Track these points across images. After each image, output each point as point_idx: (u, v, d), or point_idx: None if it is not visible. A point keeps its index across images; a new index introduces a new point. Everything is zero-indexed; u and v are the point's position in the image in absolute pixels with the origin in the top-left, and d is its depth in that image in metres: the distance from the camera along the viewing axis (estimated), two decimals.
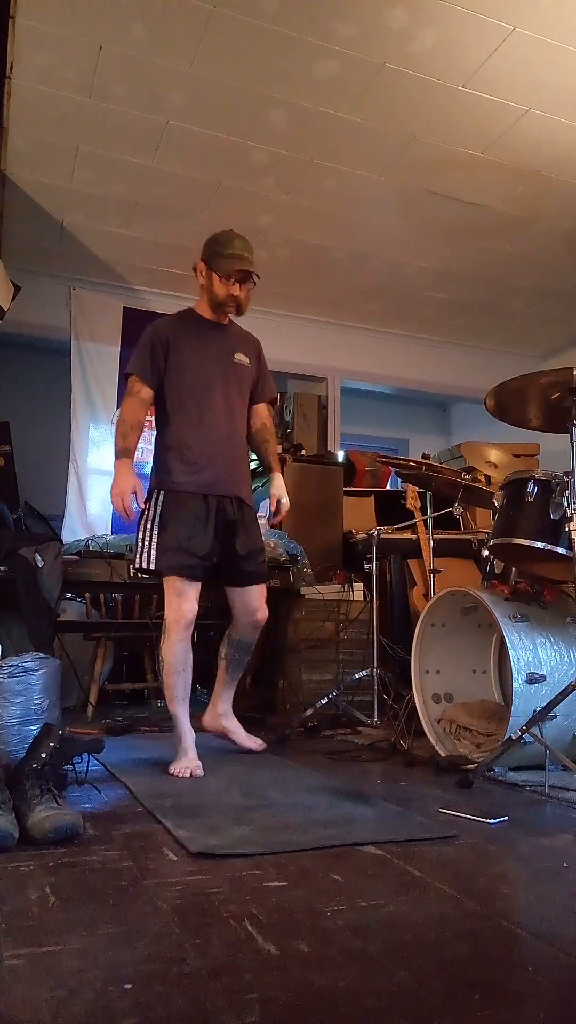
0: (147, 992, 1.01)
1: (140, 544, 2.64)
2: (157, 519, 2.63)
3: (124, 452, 2.66)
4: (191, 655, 2.62)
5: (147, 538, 2.63)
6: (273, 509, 2.88)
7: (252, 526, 2.77)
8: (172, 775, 2.42)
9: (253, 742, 2.86)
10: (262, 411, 2.92)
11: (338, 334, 5.93)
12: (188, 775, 2.41)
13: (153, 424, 2.82)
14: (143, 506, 2.67)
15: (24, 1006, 0.97)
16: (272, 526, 2.98)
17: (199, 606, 2.62)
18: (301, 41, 3.22)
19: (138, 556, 2.63)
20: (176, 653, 2.58)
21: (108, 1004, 0.97)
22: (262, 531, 2.95)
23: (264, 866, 1.53)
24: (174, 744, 2.60)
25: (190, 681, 2.64)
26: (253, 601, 2.75)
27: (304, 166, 4.05)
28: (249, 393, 2.85)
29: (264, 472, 2.97)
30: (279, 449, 2.90)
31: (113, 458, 2.71)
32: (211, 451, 2.68)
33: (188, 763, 2.48)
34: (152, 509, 2.65)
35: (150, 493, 2.69)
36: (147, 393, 2.71)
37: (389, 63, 3.34)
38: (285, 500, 2.89)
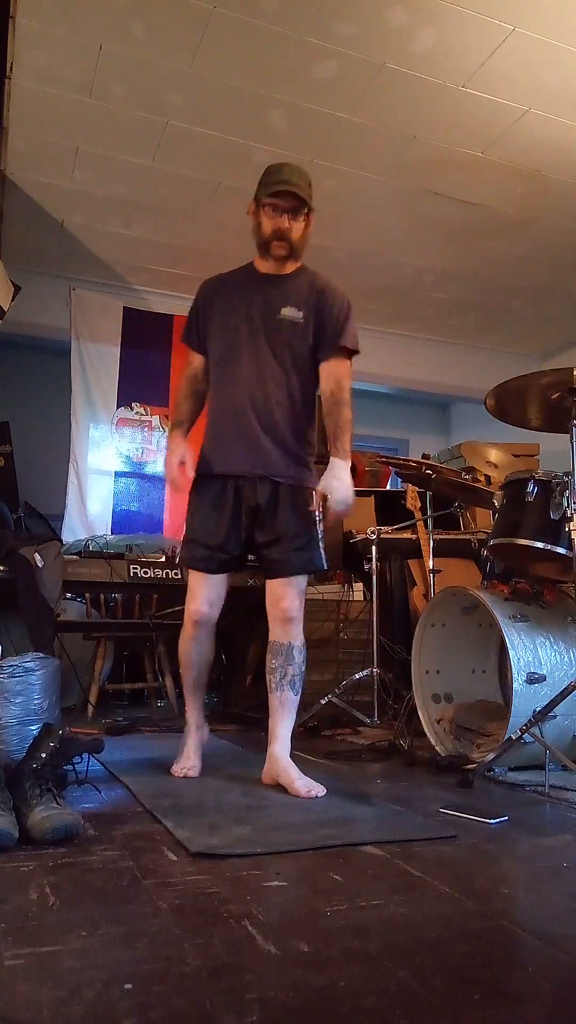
0: (147, 992, 1.01)
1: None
2: (188, 510, 2.46)
3: (175, 423, 2.47)
4: (208, 653, 2.48)
5: (183, 531, 2.46)
6: (314, 508, 2.32)
7: (286, 508, 2.33)
8: (171, 774, 2.39)
9: (306, 787, 2.16)
10: (333, 369, 2.38)
11: None
12: (182, 775, 2.36)
13: None
14: (190, 474, 2.41)
15: (24, 1006, 0.97)
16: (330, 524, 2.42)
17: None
18: (301, 41, 3.22)
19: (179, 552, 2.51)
20: (186, 649, 2.46)
21: (108, 1004, 0.97)
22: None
23: (264, 866, 1.53)
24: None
25: (203, 678, 2.51)
26: (277, 590, 2.36)
27: (304, 166, 4.03)
28: (309, 356, 2.38)
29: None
30: (346, 421, 2.33)
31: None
32: (230, 424, 2.36)
33: (184, 762, 2.42)
34: (191, 499, 2.46)
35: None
36: (199, 362, 2.47)
37: (389, 63, 3.34)
38: (338, 495, 2.24)
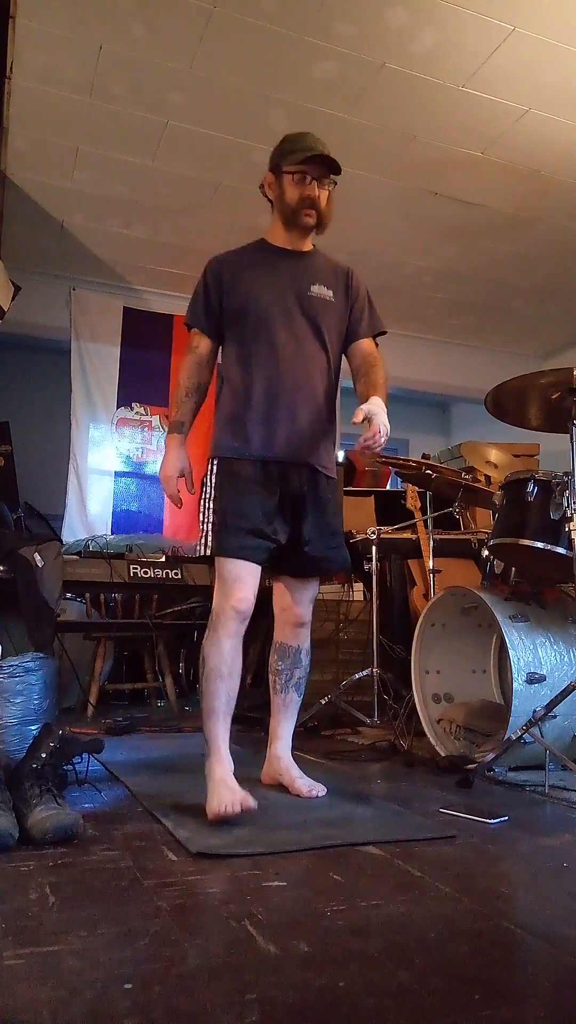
0: (147, 992, 1.01)
1: (201, 527, 2.13)
2: (213, 494, 2.12)
3: (174, 426, 2.20)
4: (240, 660, 2.06)
5: (206, 518, 2.12)
6: (357, 421, 2.04)
7: (327, 501, 2.20)
8: (217, 813, 1.82)
9: (308, 787, 2.14)
10: (363, 347, 2.29)
11: None
12: (237, 810, 1.81)
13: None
14: (194, 489, 2.20)
15: (24, 1006, 0.97)
16: (359, 452, 2.24)
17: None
18: (301, 41, 3.22)
19: (199, 541, 2.13)
20: (223, 652, 2.01)
21: (108, 1004, 0.97)
22: None
23: (264, 866, 1.53)
24: (206, 773, 1.96)
25: (235, 693, 2.05)
26: (301, 592, 2.24)
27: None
28: (340, 336, 2.27)
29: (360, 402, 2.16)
30: (383, 378, 2.21)
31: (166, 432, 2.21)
32: (270, 405, 2.13)
33: (232, 796, 1.85)
34: (208, 483, 2.15)
35: (207, 462, 2.18)
36: (206, 346, 2.23)
37: (389, 63, 3.34)
38: (381, 417, 2.04)
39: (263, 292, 2.19)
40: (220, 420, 2.19)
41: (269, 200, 2.28)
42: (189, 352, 2.26)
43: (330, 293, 2.25)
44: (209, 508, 2.12)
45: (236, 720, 3.13)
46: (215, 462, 2.16)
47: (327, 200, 2.22)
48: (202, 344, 2.24)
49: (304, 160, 2.16)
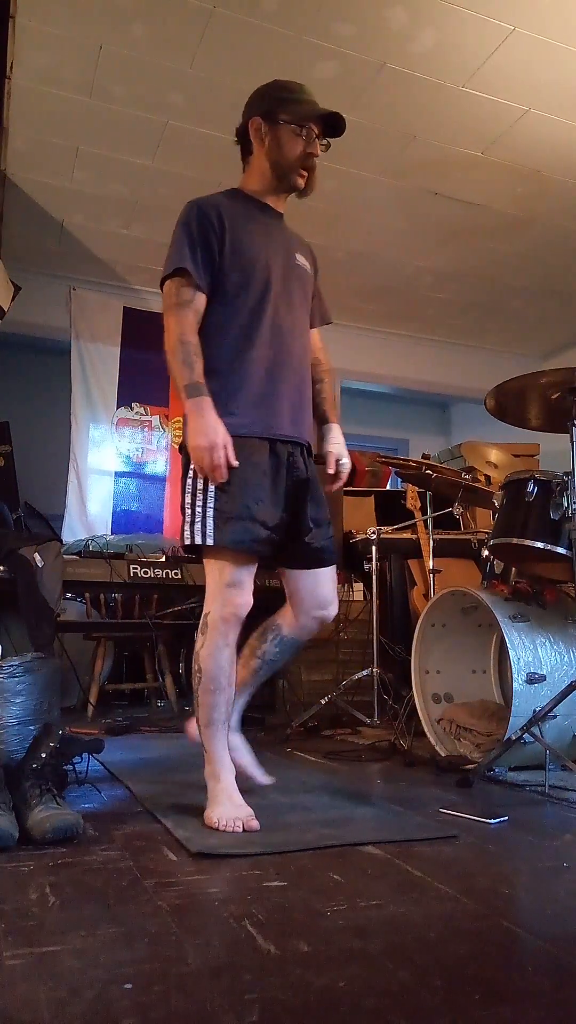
0: (147, 992, 1.01)
1: (191, 511, 1.86)
2: (201, 477, 1.87)
3: (195, 388, 1.82)
4: (236, 667, 1.92)
5: (198, 502, 1.85)
6: (331, 471, 2.03)
7: (319, 488, 2.03)
8: (215, 828, 1.75)
9: (261, 774, 2.12)
10: (316, 339, 2.16)
11: (338, 334, 5.90)
12: (239, 829, 1.74)
13: None
14: (234, 462, 1.85)
15: (24, 1006, 0.97)
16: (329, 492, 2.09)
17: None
18: (301, 41, 3.22)
19: (189, 528, 1.85)
20: (222, 662, 1.85)
21: (108, 1004, 0.97)
22: None
23: (264, 866, 1.53)
24: (206, 781, 1.88)
25: (232, 700, 1.92)
26: (324, 589, 2.02)
27: None
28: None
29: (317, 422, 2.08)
30: (332, 390, 2.11)
31: (185, 397, 1.82)
32: (276, 377, 1.93)
33: (236, 812, 1.78)
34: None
35: None
36: (201, 302, 1.91)
37: (389, 63, 3.34)
38: (347, 460, 2.04)
39: (263, 253, 1.96)
40: (220, 397, 1.86)
41: (245, 146, 2.06)
42: (183, 306, 1.88)
43: (308, 265, 2.09)
44: (207, 493, 1.85)
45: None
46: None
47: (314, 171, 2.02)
48: (198, 300, 1.91)
49: (317, 115, 1.97)
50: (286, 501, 1.94)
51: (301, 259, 2.06)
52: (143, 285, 5.42)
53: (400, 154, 3.96)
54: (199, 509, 1.85)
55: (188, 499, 1.88)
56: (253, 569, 1.90)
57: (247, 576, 1.88)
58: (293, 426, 1.95)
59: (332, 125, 1.99)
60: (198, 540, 1.84)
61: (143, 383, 5.40)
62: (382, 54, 3.30)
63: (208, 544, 1.83)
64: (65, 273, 5.18)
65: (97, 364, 5.29)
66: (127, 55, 3.32)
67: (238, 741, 2.10)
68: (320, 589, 2.02)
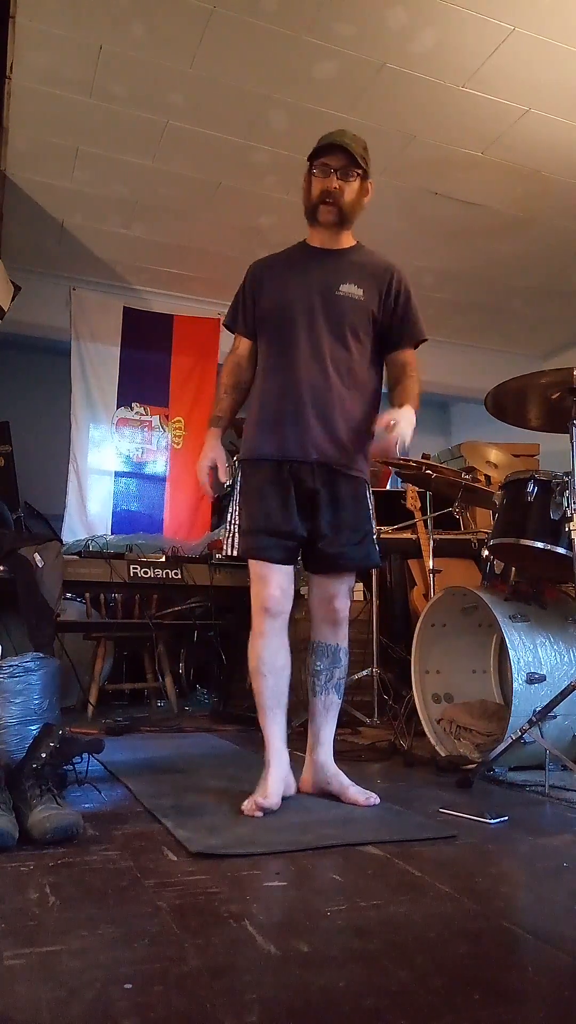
0: (147, 992, 1.01)
1: (227, 528, 2.20)
2: (239, 497, 2.18)
3: (211, 421, 2.29)
4: (285, 655, 2.11)
5: (231, 520, 2.19)
6: (380, 426, 2.03)
7: (347, 499, 2.16)
8: (242, 812, 1.93)
9: (363, 796, 2.07)
10: (403, 358, 2.24)
11: None
12: (258, 811, 1.91)
13: None
14: (224, 479, 2.27)
15: (24, 1006, 0.97)
16: (375, 458, 2.25)
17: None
18: (301, 41, 3.22)
19: (225, 543, 2.20)
20: (258, 651, 2.08)
21: (108, 1004, 0.97)
22: None
23: (264, 866, 1.53)
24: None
25: (285, 687, 2.11)
26: (328, 587, 2.19)
27: (304, 166, 4.04)
28: (371, 335, 2.22)
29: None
30: (416, 389, 2.19)
31: None
32: (286, 407, 2.13)
33: (257, 794, 1.96)
34: (235, 488, 2.21)
35: (235, 466, 2.26)
36: (244, 347, 2.28)
37: (389, 63, 3.34)
38: (403, 428, 1.99)
39: (287, 294, 2.19)
40: (247, 423, 2.22)
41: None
42: (231, 353, 2.32)
43: (360, 292, 2.20)
44: (235, 511, 2.18)
45: (237, 720, 3.13)
46: (239, 465, 2.21)
47: (355, 193, 2.19)
48: (241, 346, 2.30)
49: (322, 150, 2.14)
50: (301, 511, 2.12)
51: (349, 288, 2.19)
52: (143, 285, 5.42)
53: (400, 154, 3.96)
54: (229, 525, 2.19)
55: (228, 518, 2.21)
56: (278, 569, 2.11)
57: (271, 572, 2.10)
58: (300, 447, 2.12)
59: (335, 150, 2.14)
60: (228, 551, 2.17)
61: (143, 383, 5.40)
62: (382, 54, 3.30)
63: (233, 553, 2.15)
64: (65, 273, 5.18)
65: (97, 364, 5.28)
66: (127, 55, 3.32)
67: (331, 769, 2.16)
68: (325, 589, 2.20)
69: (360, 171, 2.19)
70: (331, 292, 2.18)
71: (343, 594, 2.21)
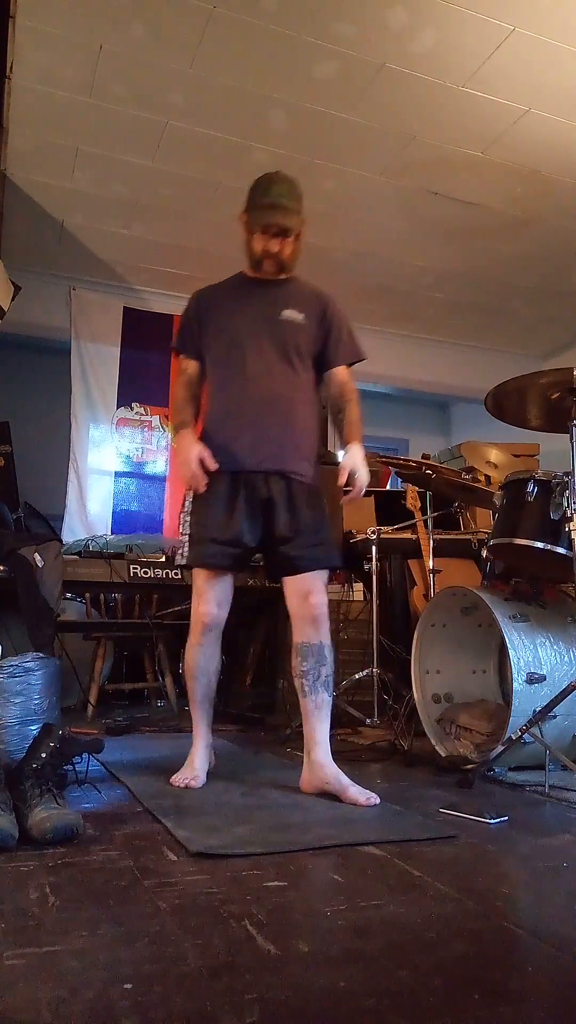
0: (147, 992, 1.01)
1: (181, 538, 2.37)
2: (190, 507, 2.36)
3: (180, 424, 2.40)
4: (216, 661, 2.37)
5: (183, 531, 2.35)
6: (342, 483, 2.31)
7: (302, 503, 2.32)
8: (171, 784, 2.25)
9: (363, 795, 2.08)
10: (338, 376, 2.46)
11: None
12: (183, 785, 2.22)
13: None
14: (213, 466, 2.31)
15: (24, 1006, 0.97)
16: (347, 504, 2.45)
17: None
18: (301, 41, 3.22)
19: (179, 552, 2.37)
20: (195, 658, 2.34)
21: (108, 1004, 0.97)
22: None
23: (264, 866, 1.53)
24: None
25: (213, 686, 2.40)
26: (301, 586, 2.29)
27: (304, 166, 4.05)
28: (312, 355, 2.42)
29: (341, 445, 2.45)
30: (358, 415, 2.42)
31: (173, 435, 2.48)
32: (238, 421, 2.32)
33: (187, 773, 2.28)
34: (187, 498, 2.38)
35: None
36: (192, 367, 2.45)
37: (389, 63, 3.34)
38: (361, 474, 2.29)
39: (231, 319, 2.39)
40: (200, 439, 2.37)
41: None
42: (180, 373, 2.49)
43: (301, 316, 2.39)
44: (185, 521, 2.36)
45: (236, 720, 3.15)
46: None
47: (292, 248, 2.36)
48: (190, 367, 2.46)
49: (262, 212, 2.29)
50: (250, 519, 2.29)
51: (290, 314, 2.38)
52: (143, 285, 5.42)
53: (400, 154, 3.96)
54: (182, 536, 2.35)
55: (180, 529, 2.37)
56: (218, 582, 2.32)
57: (208, 587, 2.32)
58: (255, 458, 2.30)
59: (275, 214, 2.28)
60: (179, 561, 2.36)
61: (143, 383, 5.40)
62: (382, 54, 3.30)
63: (183, 563, 2.35)
64: (65, 273, 5.18)
65: (97, 364, 5.28)
66: (127, 55, 3.32)
67: (330, 769, 2.18)
68: (298, 589, 2.30)
69: (298, 231, 2.34)
70: (275, 317, 2.37)
71: (319, 590, 2.30)
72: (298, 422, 2.36)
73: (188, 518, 2.35)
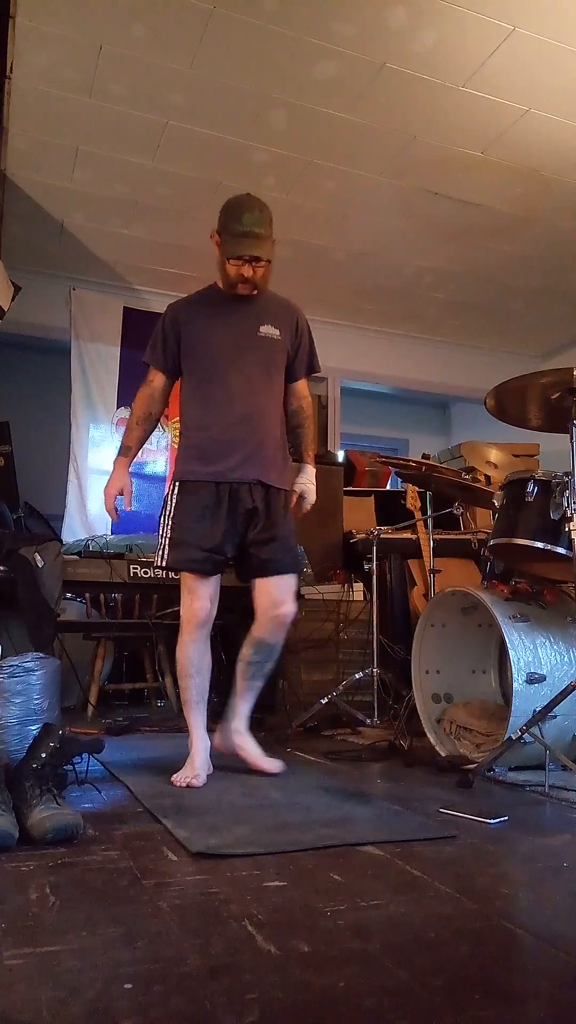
0: (147, 992, 1.01)
1: (159, 540, 2.48)
2: (171, 513, 2.46)
3: (122, 449, 2.58)
4: (208, 657, 2.45)
5: (163, 534, 2.47)
6: (291, 506, 2.55)
7: (278, 512, 2.49)
8: (172, 783, 2.28)
9: (269, 763, 2.44)
10: (299, 389, 2.64)
11: (338, 334, 5.92)
12: (184, 785, 2.25)
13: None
14: (128, 508, 2.63)
15: (24, 1006, 0.97)
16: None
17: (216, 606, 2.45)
18: (301, 41, 3.22)
19: (156, 554, 2.49)
20: (188, 654, 2.41)
21: (108, 1004, 0.97)
22: None
23: (264, 866, 1.53)
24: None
25: (207, 685, 2.46)
26: (275, 592, 2.44)
27: (304, 166, 4.05)
28: (284, 368, 2.58)
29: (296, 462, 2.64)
30: (314, 434, 2.63)
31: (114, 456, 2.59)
32: (226, 435, 2.44)
33: (187, 772, 2.31)
34: (168, 503, 2.49)
35: (171, 485, 2.53)
36: (160, 381, 2.56)
37: (389, 63, 3.34)
38: (310, 497, 2.58)
39: (213, 334, 2.49)
40: (182, 448, 2.53)
41: None
42: (145, 385, 2.57)
43: (277, 332, 2.52)
44: (167, 524, 2.45)
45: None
46: (177, 485, 2.48)
47: (264, 271, 2.44)
48: (157, 379, 2.56)
49: (236, 241, 2.38)
50: (232, 527, 2.42)
51: (267, 329, 2.51)
52: (143, 285, 5.42)
53: (400, 154, 3.96)
54: (161, 539, 2.46)
55: (159, 530, 2.49)
56: (210, 580, 2.42)
57: (200, 585, 2.40)
58: (239, 470, 2.42)
59: (247, 244, 2.38)
60: (157, 562, 2.46)
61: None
62: (382, 54, 3.30)
63: (162, 564, 2.44)
64: (65, 273, 5.18)
65: (97, 364, 5.28)
66: (127, 55, 3.32)
67: (247, 738, 2.50)
68: (271, 592, 2.44)
69: (270, 256, 2.43)
70: (254, 333, 2.49)
71: (291, 600, 2.49)
72: (275, 434, 2.53)
73: (170, 522, 2.45)
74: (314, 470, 2.60)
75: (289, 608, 2.47)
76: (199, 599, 2.40)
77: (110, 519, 2.62)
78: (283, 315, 2.56)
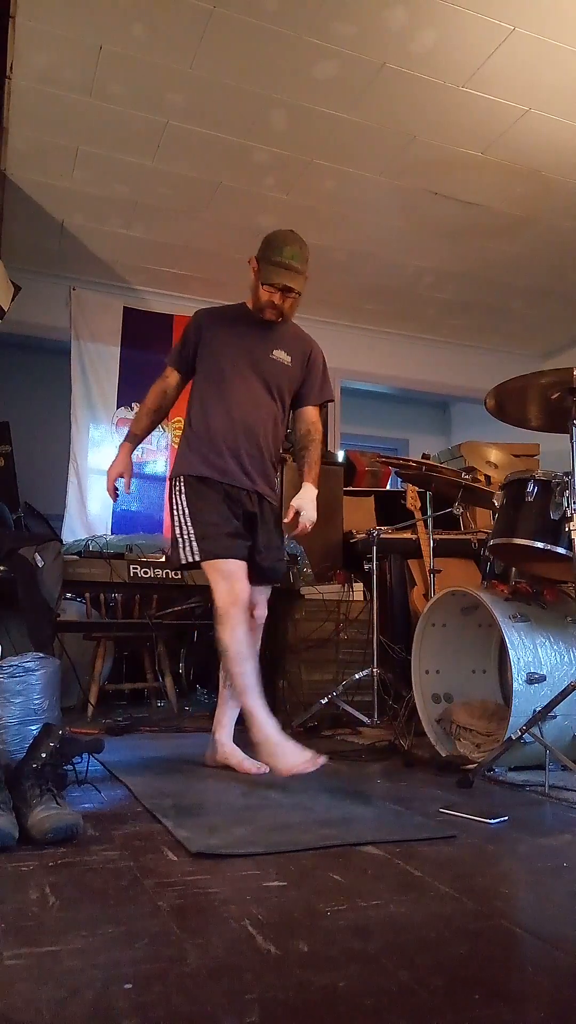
0: (147, 992, 1.01)
1: (179, 539, 2.48)
2: (187, 509, 2.49)
3: (130, 436, 2.73)
4: (250, 639, 2.43)
5: (183, 531, 2.47)
6: (287, 520, 2.60)
7: (271, 523, 2.62)
8: (289, 771, 2.20)
9: (251, 764, 2.44)
10: (310, 414, 2.77)
11: (338, 334, 5.93)
12: (310, 768, 2.19)
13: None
14: (128, 491, 2.77)
15: (24, 1006, 0.97)
16: (293, 536, 2.69)
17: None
18: (301, 41, 3.22)
19: (180, 552, 2.46)
20: (239, 637, 2.34)
21: (108, 1004, 0.97)
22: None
23: (264, 866, 1.53)
24: (258, 743, 2.28)
25: (258, 668, 2.39)
26: (254, 596, 2.53)
27: (304, 166, 4.05)
28: (290, 394, 2.70)
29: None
30: (318, 456, 2.72)
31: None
32: (229, 441, 2.54)
33: (303, 755, 2.21)
34: (178, 501, 2.52)
35: (172, 481, 2.58)
36: (173, 379, 2.72)
37: (389, 63, 3.34)
38: (307, 513, 2.59)
39: (229, 345, 2.63)
40: (186, 447, 2.61)
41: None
42: (161, 379, 2.73)
43: (288, 359, 2.67)
44: (187, 522, 2.48)
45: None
46: (181, 480, 2.54)
47: (292, 302, 2.58)
48: (172, 377, 2.72)
49: (275, 270, 2.50)
50: (239, 521, 2.51)
51: (280, 354, 2.65)
52: (143, 285, 5.42)
53: (400, 154, 3.96)
54: (182, 537, 2.47)
55: (174, 530, 2.52)
56: (239, 564, 2.44)
57: (236, 567, 2.42)
58: (238, 477, 2.53)
59: (286, 276, 2.51)
60: (188, 559, 2.44)
61: (143, 383, 5.31)
62: (382, 54, 3.30)
63: (194, 559, 2.43)
64: (65, 273, 5.18)
65: (97, 364, 5.28)
66: (127, 55, 3.32)
67: (231, 748, 2.54)
68: (253, 599, 2.52)
69: (301, 290, 2.56)
70: (266, 354, 2.63)
71: (263, 603, 2.64)
72: (271, 450, 2.64)
73: (188, 517, 2.49)
74: (315, 491, 2.65)
75: (263, 611, 2.64)
76: (239, 580, 2.41)
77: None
78: (297, 345, 2.70)
